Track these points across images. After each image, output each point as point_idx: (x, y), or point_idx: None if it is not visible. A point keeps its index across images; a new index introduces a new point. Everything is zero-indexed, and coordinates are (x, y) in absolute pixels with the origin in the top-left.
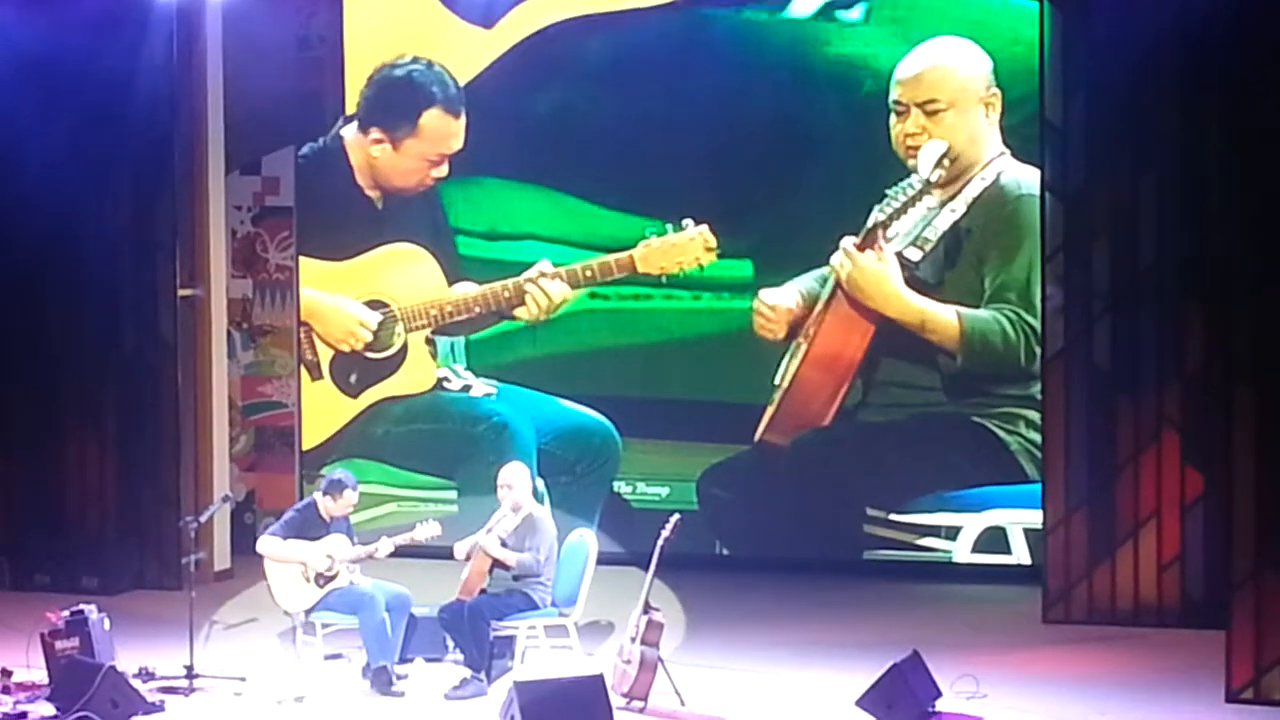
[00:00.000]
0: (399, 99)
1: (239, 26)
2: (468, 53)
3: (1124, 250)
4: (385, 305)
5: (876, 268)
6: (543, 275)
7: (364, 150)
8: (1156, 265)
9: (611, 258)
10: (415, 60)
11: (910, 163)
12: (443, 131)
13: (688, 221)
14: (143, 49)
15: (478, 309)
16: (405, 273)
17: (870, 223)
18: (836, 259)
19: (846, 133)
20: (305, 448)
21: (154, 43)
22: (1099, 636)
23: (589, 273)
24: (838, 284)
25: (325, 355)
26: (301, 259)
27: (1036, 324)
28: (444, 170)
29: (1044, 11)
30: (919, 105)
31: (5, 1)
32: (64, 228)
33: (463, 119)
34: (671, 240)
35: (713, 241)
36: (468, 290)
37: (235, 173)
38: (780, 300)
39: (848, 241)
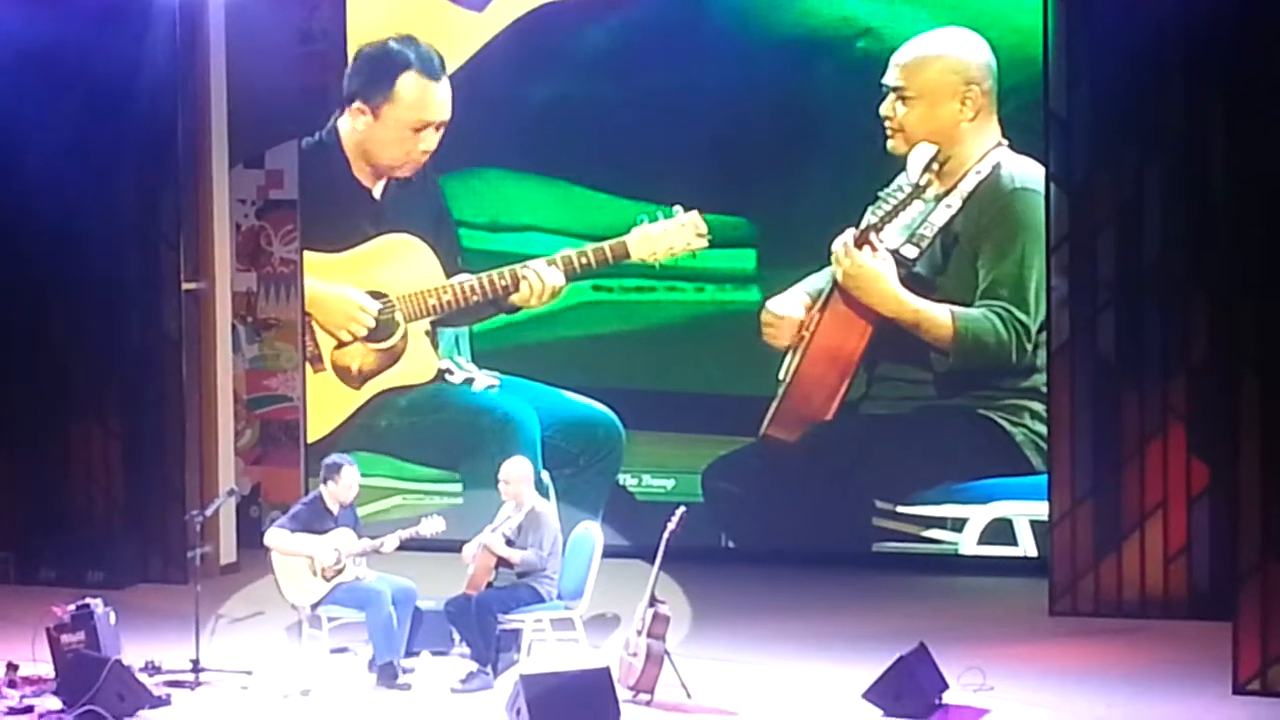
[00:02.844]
0: (375, 68)
1: (242, 20)
2: (469, 44)
3: (1129, 241)
4: (384, 296)
5: (872, 266)
6: (536, 263)
7: (353, 130)
8: (1161, 256)
9: (606, 244)
10: (395, 36)
11: (889, 143)
12: (420, 97)
13: (677, 208)
14: (145, 42)
15: (475, 297)
16: (402, 264)
17: (863, 225)
18: (835, 254)
19: (851, 116)
20: (310, 440)
21: (157, 36)
22: (1105, 628)
23: (584, 259)
24: (836, 281)
25: (327, 346)
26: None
27: (1028, 321)
28: (431, 142)
29: (1047, 1)
30: (894, 89)
31: None
32: (67, 222)
33: (445, 85)
34: (664, 225)
35: (704, 228)
36: (465, 279)
37: (239, 166)
38: (787, 310)
39: (846, 236)
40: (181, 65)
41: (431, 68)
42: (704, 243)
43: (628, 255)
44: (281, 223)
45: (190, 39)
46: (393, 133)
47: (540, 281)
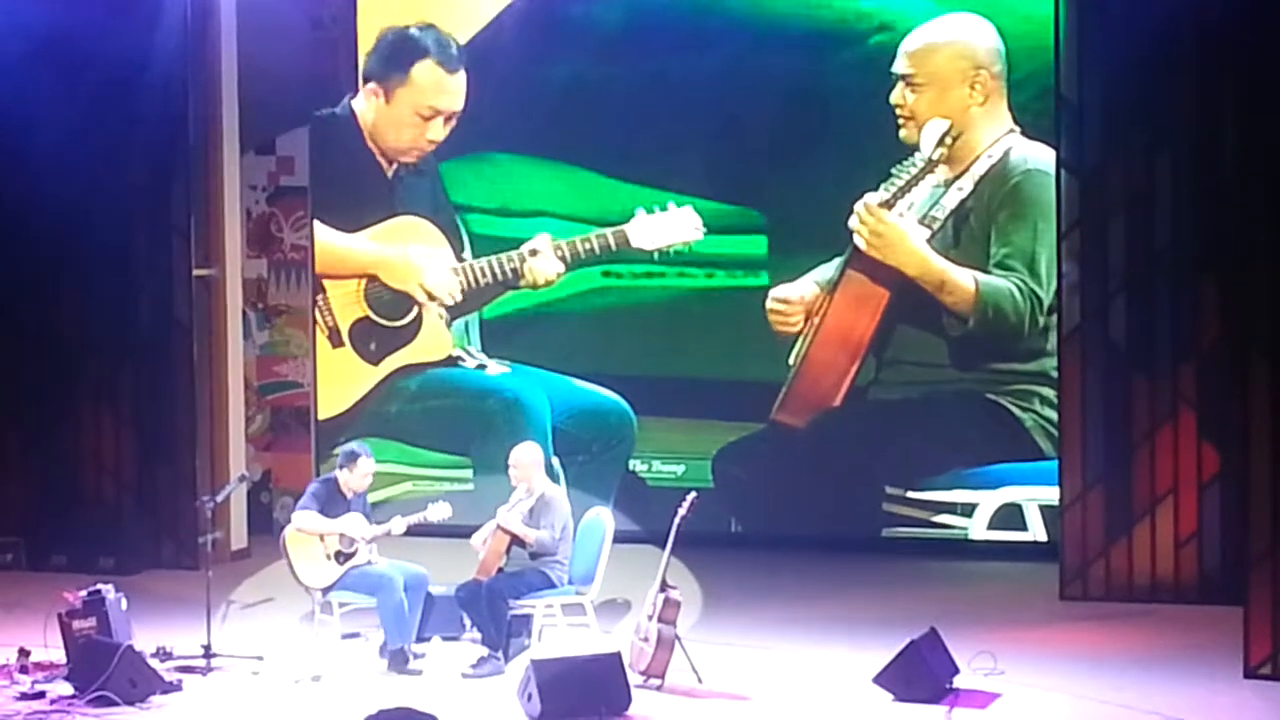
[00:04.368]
0: (394, 51)
1: (252, 6)
2: (476, 25)
3: (1140, 227)
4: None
5: (900, 225)
6: (539, 252)
7: (364, 112)
8: (1172, 242)
9: (609, 232)
10: (418, 24)
11: (901, 132)
12: (435, 85)
13: (671, 204)
14: (157, 29)
15: (485, 280)
16: (415, 244)
17: (876, 200)
18: (856, 220)
19: (862, 101)
20: (322, 417)
21: (168, 22)
22: (1116, 613)
23: (587, 245)
24: (848, 261)
25: (345, 322)
26: (316, 224)
27: (1042, 293)
28: (439, 132)
29: None
30: (903, 78)
31: None
32: (78, 209)
33: (460, 77)
34: (661, 216)
35: (699, 221)
36: (475, 262)
37: (250, 153)
38: (791, 293)
39: (870, 198)
40: (192, 51)
41: (449, 57)
42: (699, 235)
43: (628, 244)
44: (292, 209)
45: (201, 25)
46: (403, 117)
47: (543, 264)
